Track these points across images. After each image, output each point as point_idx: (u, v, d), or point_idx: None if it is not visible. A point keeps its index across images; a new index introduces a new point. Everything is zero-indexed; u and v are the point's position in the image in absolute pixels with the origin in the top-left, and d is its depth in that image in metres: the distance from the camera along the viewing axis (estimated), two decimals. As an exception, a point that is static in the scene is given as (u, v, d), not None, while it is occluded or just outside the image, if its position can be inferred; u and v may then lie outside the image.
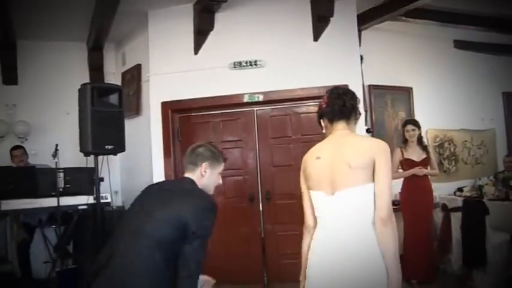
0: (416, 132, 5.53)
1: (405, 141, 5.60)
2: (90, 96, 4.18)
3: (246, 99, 5.14)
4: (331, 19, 5.09)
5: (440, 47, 7.31)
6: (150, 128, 5.28)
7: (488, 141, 7.71)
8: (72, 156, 4.87)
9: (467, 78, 7.51)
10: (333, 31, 5.12)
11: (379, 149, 2.20)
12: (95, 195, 4.90)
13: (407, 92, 6.87)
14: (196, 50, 5.20)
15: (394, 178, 5.31)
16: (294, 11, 5.16)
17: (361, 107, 4.48)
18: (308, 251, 2.30)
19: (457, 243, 5.54)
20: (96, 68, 5.99)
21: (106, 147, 4.29)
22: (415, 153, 5.50)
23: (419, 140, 5.57)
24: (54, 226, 5.19)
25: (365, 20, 5.42)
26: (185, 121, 5.34)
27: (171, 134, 5.27)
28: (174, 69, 5.21)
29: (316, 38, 5.14)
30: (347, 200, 2.16)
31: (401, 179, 5.55)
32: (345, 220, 2.17)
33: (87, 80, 5.95)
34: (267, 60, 5.12)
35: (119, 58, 6.10)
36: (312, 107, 5.18)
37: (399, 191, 5.49)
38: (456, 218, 5.63)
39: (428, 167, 5.49)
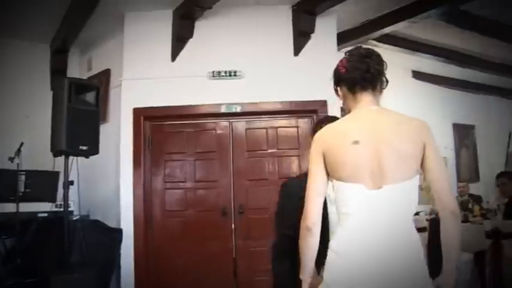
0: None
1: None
2: (67, 91, 3.91)
3: (223, 109, 5.01)
4: (312, 35, 5.11)
5: (400, 75, 7.53)
6: (120, 135, 5.00)
7: (441, 169, 7.94)
8: (29, 163, 4.54)
9: (422, 108, 7.75)
10: (313, 47, 5.12)
11: (427, 131, 1.86)
12: (57, 202, 4.60)
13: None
14: (174, 56, 5.03)
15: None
16: (276, 24, 5.12)
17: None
18: (312, 252, 1.92)
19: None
20: (58, 72, 5.63)
21: (80, 147, 4.00)
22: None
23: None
24: (4, 237, 4.75)
25: (343, 40, 5.46)
26: (157, 129, 5.10)
27: (142, 142, 5.02)
28: (149, 75, 5.00)
29: (296, 52, 5.12)
30: (396, 195, 1.79)
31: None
32: (386, 219, 1.79)
33: (48, 84, 5.65)
34: (246, 71, 5.02)
35: (84, 63, 5.80)
36: (288, 121, 5.14)
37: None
38: (422, 238, 5.68)
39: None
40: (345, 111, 2.09)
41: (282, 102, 5.05)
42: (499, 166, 8.86)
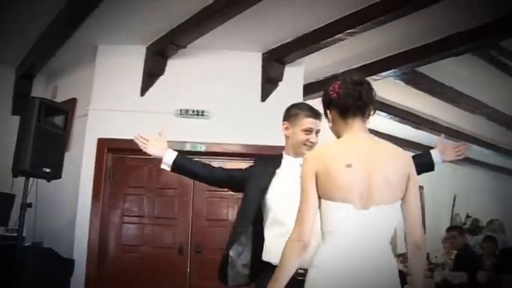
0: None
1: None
2: (37, 111, 3.88)
3: (187, 147, 5.04)
4: (280, 83, 5.29)
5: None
6: (81, 164, 4.95)
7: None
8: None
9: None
10: (281, 95, 5.29)
11: (411, 164, 2.01)
12: (9, 227, 4.46)
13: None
14: (143, 91, 5.09)
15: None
16: (246, 70, 5.28)
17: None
18: (293, 264, 1.95)
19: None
20: (21, 97, 5.56)
21: (43, 169, 3.94)
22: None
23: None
24: None
25: (309, 91, 5.67)
26: (120, 162, 5.07)
27: (103, 173, 4.97)
28: (117, 107, 5.02)
29: (263, 98, 5.27)
30: (381, 217, 1.90)
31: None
32: (370, 238, 1.89)
33: (10, 108, 5.57)
34: (213, 112, 5.12)
35: (49, 91, 5.76)
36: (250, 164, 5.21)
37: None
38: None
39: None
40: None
41: (246, 145, 5.14)
42: (444, 227, 9.18)
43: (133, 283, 4.80)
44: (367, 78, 2.09)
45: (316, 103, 6.03)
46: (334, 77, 5.69)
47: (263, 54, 5.30)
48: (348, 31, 4.51)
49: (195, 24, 4.50)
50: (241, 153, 5.17)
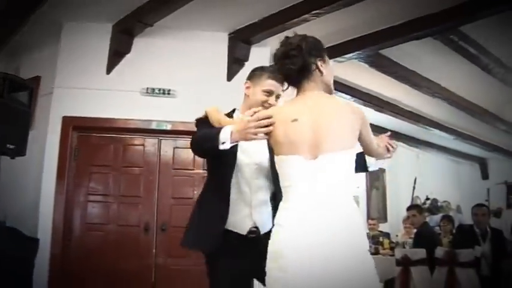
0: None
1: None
2: (0, 86, 3.81)
3: (153, 126, 5.06)
4: (246, 63, 5.33)
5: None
6: (45, 143, 4.90)
7: (353, 207, 8.34)
8: None
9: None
10: (246, 75, 5.31)
11: (361, 116, 2.14)
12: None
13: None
14: (109, 70, 5.05)
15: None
16: (212, 50, 5.30)
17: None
18: None
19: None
20: (-18, 74, 5.44)
21: (8, 146, 3.89)
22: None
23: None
24: None
25: (274, 71, 5.72)
26: (85, 140, 5.04)
27: (68, 151, 4.94)
28: (82, 85, 4.97)
29: (229, 78, 5.31)
30: (331, 164, 1.96)
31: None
32: (326, 188, 1.94)
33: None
34: (179, 91, 5.13)
35: (11, 68, 5.63)
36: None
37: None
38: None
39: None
40: None
41: (211, 124, 5.17)
42: (404, 208, 9.44)
43: (98, 262, 4.79)
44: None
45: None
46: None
47: (229, 34, 5.33)
48: (314, 12, 4.57)
49: (162, 2, 4.49)
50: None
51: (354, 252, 1.89)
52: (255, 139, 2.15)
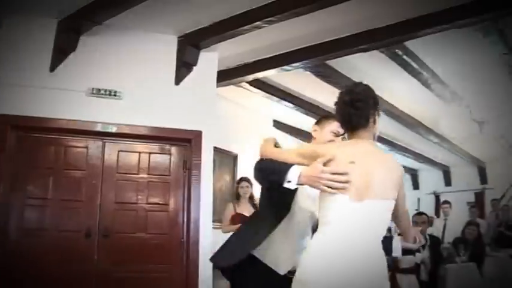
0: (250, 189, 5.87)
1: (238, 197, 5.89)
2: None
3: (98, 128, 4.88)
4: (194, 67, 5.28)
5: (263, 122, 8.00)
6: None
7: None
8: None
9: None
10: (195, 79, 5.28)
11: (402, 173, 2.32)
12: None
13: (232, 157, 7.27)
14: (53, 67, 4.82)
15: (226, 231, 5.58)
16: (161, 52, 5.20)
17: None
18: None
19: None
20: None
21: None
22: (246, 209, 5.80)
23: (251, 197, 5.90)
24: None
25: (221, 77, 5.70)
26: (23, 141, 4.75)
27: (6, 152, 4.65)
28: (23, 82, 4.70)
29: (177, 82, 5.23)
30: (374, 210, 2.14)
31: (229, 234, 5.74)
32: (362, 229, 2.11)
33: None
34: (126, 93, 4.98)
35: None
36: (162, 148, 5.17)
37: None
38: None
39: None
40: None
41: (158, 128, 5.07)
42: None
43: (36, 269, 4.50)
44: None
45: (229, 90, 6.14)
46: (245, 66, 5.87)
47: (179, 37, 5.26)
48: (266, 19, 4.60)
49: (112, 0, 4.37)
50: (153, 136, 5.12)
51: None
52: (324, 190, 2.17)
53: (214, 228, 5.42)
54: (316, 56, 5.54)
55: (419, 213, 6.05)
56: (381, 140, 9.21)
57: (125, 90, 5.00)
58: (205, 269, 4.93)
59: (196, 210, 5.05)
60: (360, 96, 2.30)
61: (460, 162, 11.22)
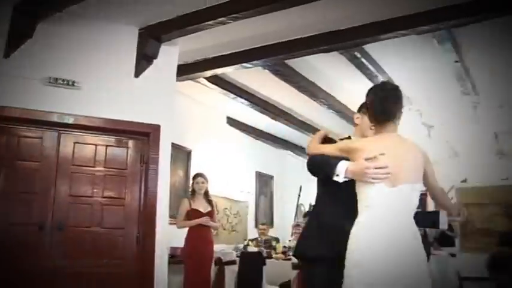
0: (205, 185, 5.87)
1: (193, 193, 5.88)
2: None
3: (55, 118, 4.73)
4: (155, 60, 5.20)
5: (216, 119, 8.01)
6: None
7: (243, 212, 8.48)
8: None
9: (232, 153, 8.30)
10: (154, 72, 5.20)
11: (426, 156, 2.65)
12: None
13: (186, 153, 7.24)
14: (7, 54, 4.60)
15: (181, 227, 5.57)
16: (121, 44, 5.10)
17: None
18: None
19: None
20: None
21: None
22: (201, 205, 5.82)
23: (206, 193, 5.90)
24: None
25: (181, 72, 5.65)
26: (-27, 130, 4.57)
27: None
28: (-27, 69, 4.52)
29: (137, 74, 5.14)
30: (405, 193, 2.45)
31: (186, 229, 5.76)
32: (397, 210, 2.42)
33: None
34: (84, 83, 4.84)
35: None
36: (119, 141, 5.08)
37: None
38: (230, 271, 6.02)
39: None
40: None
41: (115, 120, 4.96)
42: (290, 215, 9.80)
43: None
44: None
45: (183, 85, 6.07)
46: (205, 61, 5.85)
47: (140, 29, 5.16)
48: (232, 15, 4.59)
49: (74, -13, 4.27)
50: (110, 129, 5.01)
51: (415, 262, 2.39)
52: (371, 182, 2.44)
53: (169, 224, 5.37)
54: (277, 55, 5.59)
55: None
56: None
57: (83, 81, 4.86)
58: (161, 264, 4.90)
59: (152, 205, 4.98)
60: (398, 93, 2.63)
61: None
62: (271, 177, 9.79)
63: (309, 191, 10.78)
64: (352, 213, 2.54)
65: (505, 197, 10.14)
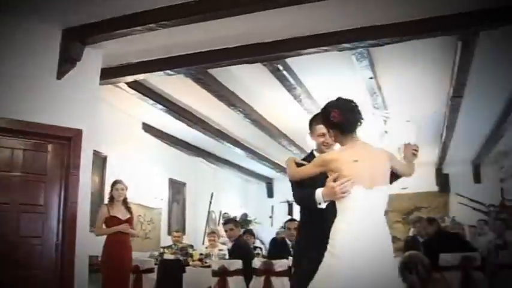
0: (125, 192, 5.79)
1: (111, 200, 5.78)
2: None
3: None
4: (78, 63, 5.06)
5: (132, 124, 7.91)
6: None
7: (156, 219, 8.41)
8: None
9: (145, 160, 8.22)
10: (77, 75, 5.06)
11: (391, 157, 2.97)
12: None
13: (102, 159, 7.08)
14: None
15: (100, 234, 5.44)
16: (44, 44, 4.90)
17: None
18: None
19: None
20: None
21: None
22: (120, 212, 5.74)
23: (125, 200, 5.82)
24: None
25: (105, 75, 5.54)
26: None
27: None
28: None
29: (59, 76, 4.98)
30: (381, 194, 2.78)
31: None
32: (374, 210, 2.74)
33: None
34: (2, 84, 4.59)
35: None
36: (38, 145, 4.88)
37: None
38: (148, 279, 5.96)
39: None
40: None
41: (35, 123, 4.75)
42: (202, 222, 9.86)
43: None
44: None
45: (101, 89, 5.92)
46: (129, 66, 5.76)
47: (64, 30, 5.01)
48: (162, 22, 4.61)
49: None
50: (29, 132, 4.78)
51: (387, 256, 2.71)
52: (342, 197, 2.74)
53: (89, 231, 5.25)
54: (201, 64, 5.67)
55: (292, 220, 6.45)
56: (246, 148, 9.61)
57: (1, 81, 4.62)
58: (81, 272, 4.76)
59: (73, 212, 4.83)
60: (357, 105, 2.89)
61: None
62: (184, 184, 9.77)
63: (220, 198, 10.99)
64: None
65: (403, 204, 10.97)
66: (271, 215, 12.34)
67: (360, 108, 2.88)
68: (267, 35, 5.14)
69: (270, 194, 13.75)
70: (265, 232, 9.95)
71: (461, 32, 4.87)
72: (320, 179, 2.90)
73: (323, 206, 2.91)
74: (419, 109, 7.34)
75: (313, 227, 3.17)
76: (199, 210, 10.20)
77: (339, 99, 2.93)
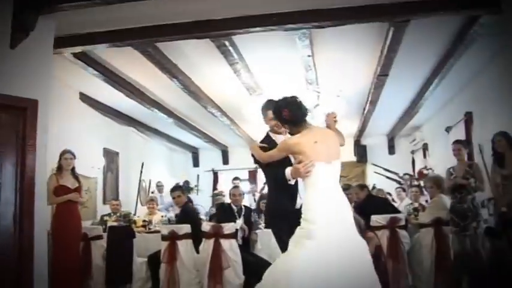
0: (73, 161, 5.89)
1: (60, 169, 5.85)
2: None
3: None
4: (31, 32, 5.02)
5: (70, 95, 7.87)
6: None
7: (92, 188, 8.47)
8: None
9: (82, 129, 8.21)
10: (31, 44, 5.03)
11: (340, 136, 3.81)
12: None
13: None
14: None
15: (52, 203, 5.50)
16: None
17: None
18: None
19: (96, 268, 6.03)
20: None
21: None
22: (69, 181, 5.85)
23: (73, 169, 5.92)
24: None
25: (59, 44, 5.53)
26: None
27: None
28: None
29: (13, 46, 4.92)
30: (337, 167, 3.51)
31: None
32: (335, 181, 3.48)
33: None
34: (-46, 53, 4.55)
35: None
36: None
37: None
38: (97, 246, 6.13)
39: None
40: None
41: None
42: (134, 191, 10.01)
43: None
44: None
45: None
46: (79, 36, 5.76)
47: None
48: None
49: None
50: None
51: (350, 215, 3.51)
52: (306, 176, 3.43)
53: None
54: (152, 37, 5.79)
55: (236, 187, 6.87)
56: (179, 118, 9.80)
57: (-47, 51, 4.55)
58: (40, 238, 4.82)
59: (30, 183, 4.83)
60: (301, 101, 3.64)
61: (238, 143, 12.38)
62: (117, 153, 9.82)
63: (150, 168, 11.13)
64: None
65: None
66: (197, 184, 12.65)
67: (301, 102, 3.62)
68: (218, 12, 5.38)
69: (196, 163, 14.06)
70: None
71: (395, 19, 5.41)
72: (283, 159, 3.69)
73: (292, 182, 3.71)
74: (349, 86, 7.92)
75: (281, 191, 3.94)
76: (132, 179, 10.31)
77: (286, 98, 3.63)
